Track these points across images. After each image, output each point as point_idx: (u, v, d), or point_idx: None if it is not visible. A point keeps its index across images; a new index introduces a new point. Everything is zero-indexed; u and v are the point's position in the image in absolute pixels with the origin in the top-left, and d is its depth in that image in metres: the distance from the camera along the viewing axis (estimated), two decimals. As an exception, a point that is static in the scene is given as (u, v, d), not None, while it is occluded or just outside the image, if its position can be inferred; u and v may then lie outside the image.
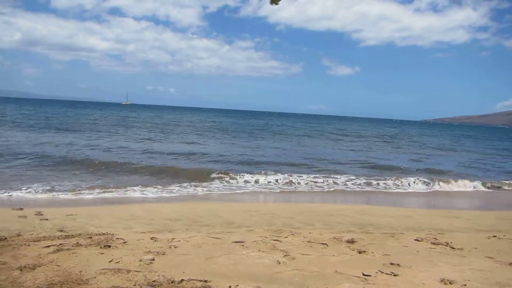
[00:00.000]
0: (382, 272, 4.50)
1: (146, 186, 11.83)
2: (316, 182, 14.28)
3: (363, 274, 4.42)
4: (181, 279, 3.94)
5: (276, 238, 5.95)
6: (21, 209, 7.58)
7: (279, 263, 4.79)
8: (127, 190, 11.10)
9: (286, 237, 6.12)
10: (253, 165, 17.27)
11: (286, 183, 13.87)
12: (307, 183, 14.06)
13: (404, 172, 17.85)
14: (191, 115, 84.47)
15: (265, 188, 13.09)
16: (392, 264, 4.83)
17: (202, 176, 13.93)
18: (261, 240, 5.76)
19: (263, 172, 15.17)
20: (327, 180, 14.63)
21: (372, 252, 5.36)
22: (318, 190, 13.24)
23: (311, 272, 4.47)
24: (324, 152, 24.73)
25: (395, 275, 4.43)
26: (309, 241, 5.86)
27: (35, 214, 7.12)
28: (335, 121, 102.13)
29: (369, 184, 14.58)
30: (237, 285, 3.90)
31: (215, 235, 6.02)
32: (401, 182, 15.24)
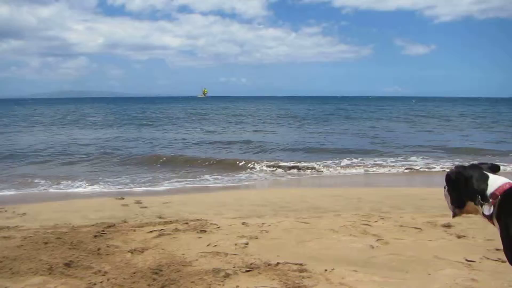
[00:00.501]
0: (488, 258, 4.22)
1: (228, 174, 12.29)
2: (399, 165, 13.71)
3: (466, 260, 4.17)
4: (277, 262, 4.04)
5: (366, 223, 5.84)
6: (123, 198, 8.29)
7: (373, 247, 4.71)
8: (208, 179, 11.62)
9: (376, 221, 5.98)
10: (330, 151, 16.96)
11: (367, 167, 13.48)
12: (389, 167, 13.54)
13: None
14: (262, 104, 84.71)
15: (346, 172, 12.85)
16: (497, 249, 4.49)
17: (280, 163, 14.03)
18: (351, 225, 5.69)
19: (342, 157, 14.91)
20: (415, 163, 14.00)
21: (472, 237, 5.03)
22: (403, 173, 12.71)
23: (408, 257, 4.33)
24: (405, 135, 23.56)
25: (502, 261, 4.12)
26: (401, 226, 5.67)
27: (135, 203, 7.75)
28: (411, 103, 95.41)
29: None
30: (333, 269, 3.91)
31: (303, 219, 6.07)
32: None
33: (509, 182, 2.07)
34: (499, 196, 2.04)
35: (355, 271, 3.91)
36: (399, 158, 15.08)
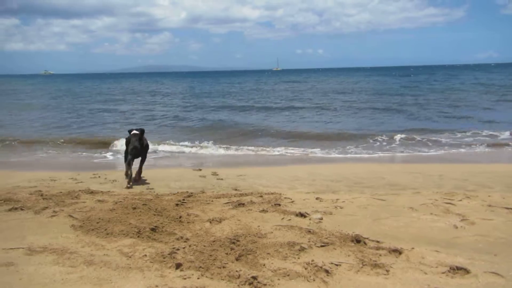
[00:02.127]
0: None
1: (305, 147, 12.30)
2: (485, 141, 12.72)
3: None
4: (352, 238, 4.02)
5: (449, 201, 5.55)
6: (200, 169, 8.68)
7: (457, 227, 4.49)
8: (285, 151, 11.75)
9: (461, 200, 5.67)
10: (408, 128, 15.90)
11: (451, 144, 12.63)
12: (475, 142, 12.61)
13: None
14: (339, 77, 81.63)
15: (423, 148, 12.20)
16: None
17: (357, 138, 13.68)
18: (432, 203, 5.45)
19: (419, 133, 14.16)
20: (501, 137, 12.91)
21: None
22: (490, 150, 11.77)
23: (497, 238, 4.07)
24: (493, 108, 21.60)
25: None
26: (489, 205, 5.31)
27: (211, 174, 8.09)
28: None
29: None
30: (413, 248, 3.81)
31: (379, 196, 5.93)
32: None
33: None
34: None
35: (437, 251, 3.77)
36: (483, 133, 14.02)
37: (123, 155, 7.67)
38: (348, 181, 7.35)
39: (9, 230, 4.35)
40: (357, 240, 3.99)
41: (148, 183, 7.25)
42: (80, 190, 6.28)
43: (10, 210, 5.13)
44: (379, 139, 13.38)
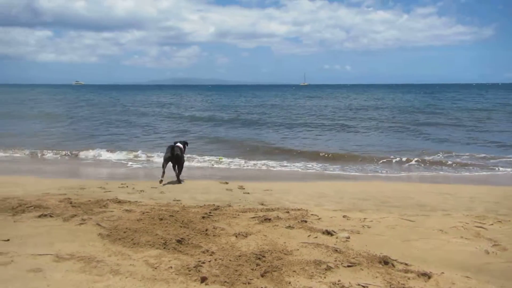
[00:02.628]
0: None
1: (332, 164, 12.17)
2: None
3: None
4: (380, 259, 3.91)
5: (480, 225, 5.37)
6: (227, 183, 8.70)
7: (488, 253, 4.33)
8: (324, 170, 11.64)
9: (492, 224, 5.47)
10: (432, 148, 15.43)
11: (479, 165, 12.19)
12: (505, 164, 12.10)
13: None
14: (364, 93, 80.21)
15: (449, 169, 11.84)
16: None
17: (379, 157, 13.40)
18: (462, 226, 5.28)
19: (445, 153, 13.82)
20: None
21: None
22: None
23: (533, 267, 3.89)
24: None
25: None
26: (523, 231, 5.10)
27: (238, 188, 8.10)
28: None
29: None
30: (442, 272, 3.67)
31: (408, 217, 5.79)
32: None
33: None
34: None
35: (467, 277, 3.63)
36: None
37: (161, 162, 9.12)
38: (375, 200, 7.21)
39: (38, 237, 4.44)
40: (385, 261, 3.88)
41: (176, 194, 7.31)
42: (108, 199, 6.38)
43: (39, 216, 5.24)
44: (403, 159, 13.05)
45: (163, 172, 8.75)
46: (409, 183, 9.95)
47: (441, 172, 11.38)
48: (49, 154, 13.93)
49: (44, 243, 4.22)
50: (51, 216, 5.24)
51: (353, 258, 3.96)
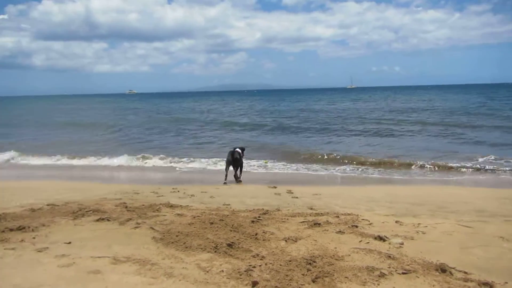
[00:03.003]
0: None
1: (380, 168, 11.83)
2: None
3: None
4: (437, 267, 3.74)
5: (548, 233, 4.99)
6: (275, 187, 8.71)
7: (557, 263, 4.00)
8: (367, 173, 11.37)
9: (563, 232, 5.06)
10: (486, 151, 14.38)
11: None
12: None
13: None
14: (413, 94, 76.73)
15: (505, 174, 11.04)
16: None
17: (432, 161, 12.83)
18: (527, 234, 4.93)
19: (507, 156, 12.92)
20: None
21: None
22: None
23: None
24: None
25: None
26: None
27: (286, 192, 8.08)
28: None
29: None
30: (506, 282, 3.45)
31: (465, 223, 5.49)
32: None
33: None
34: None
35: (536, 290, 3.38)
36: None
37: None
38: (429, 205, 6.90)
39: (97, 240, 4.65)
40: (443, 269, 3.70)
41: (225, 199, 7.42)
42: (161, 204, 6.59)
43: (97, 220, 5.49)
44: (454, 162, 12.38)
45: (226, 175, 9.88)
46: (463, 187, 9.43)
47: (496, 176, 10.72)
48: (109, 161, 14.66)
49: (102, 246, 4.41)
50: (108, 220, 5.47)
51: (408, 265, 3.82)
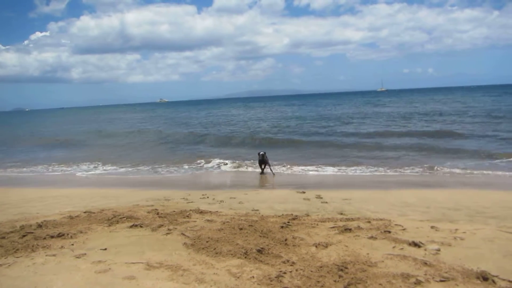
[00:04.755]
0: None
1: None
2: None
3: None
4: (479, 275, 3.57)
5: None
6: (304, 192, 8.63)
7: None
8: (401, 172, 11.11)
9: None
10: None
11: None
12: None
13: None
14: (448, 96, 73.79)
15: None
16: None
17: (469, 164, 12.37)
18: None
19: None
20: None
21: None
22: None
23: None
24: None
25: None
26: None
27: (315, 197, 7.98)
28: None
29: None
30: (555, 293, 3.26)
31: (508, 229, 5.23)
32: None
33: None
34: None
35: None
36: None
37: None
38: (468, 210, 6.64)
39: (131, 246, 4.73)
40: (484, 277, 3.53)
41: (253, 204, 7.41)
42: (191, 210, 6.65)
43: (131, 227, 5.59)
44: (492, 164, 11.88)
45: (262, 169, 12.73)
46: (505, 191, 9.02)
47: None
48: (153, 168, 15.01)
49: (136, 252, 4.49)
50: (141, 226, 5.56)
51: (446, 272, 3.66)
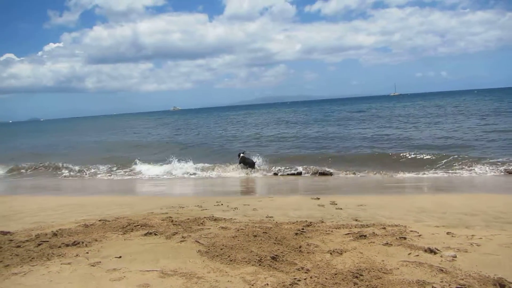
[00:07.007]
0: None
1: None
2: None
3: None
4: (497, 283, 3.51)
5: None
6: (318, 198, 8.59)
7: None
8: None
9: None
10: None
11: None
12: None
13: None
14: (460, 99, 72.44)
15: None
16: None
17: (487, 169, 12.14)
18: None
19: None
20: None
21: None
22: None
23: None
24: None
25: None
26: None
27: (330, 204, 7.94)
28: None
29: None
30: None
31: (526, 235, 5.13)
32: None
33: None
34: None
35: None
36: None
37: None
38: (485, 215, 6.53)
39: (145, 253, 4.77)
40: (501, 284, 3.46)
41: (267, 211, 7.41)
42: (205, 217, 6.67)
43: (145, 234, 5.63)
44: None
45: (246, 171, 13.42)
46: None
47: None
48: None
49: (151, 259, 4.52)
50: (155, 234, 5.60)
51: (462, 279, 3.61)
